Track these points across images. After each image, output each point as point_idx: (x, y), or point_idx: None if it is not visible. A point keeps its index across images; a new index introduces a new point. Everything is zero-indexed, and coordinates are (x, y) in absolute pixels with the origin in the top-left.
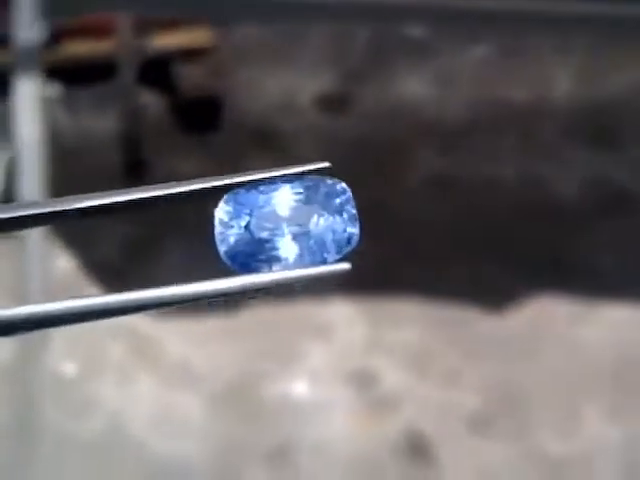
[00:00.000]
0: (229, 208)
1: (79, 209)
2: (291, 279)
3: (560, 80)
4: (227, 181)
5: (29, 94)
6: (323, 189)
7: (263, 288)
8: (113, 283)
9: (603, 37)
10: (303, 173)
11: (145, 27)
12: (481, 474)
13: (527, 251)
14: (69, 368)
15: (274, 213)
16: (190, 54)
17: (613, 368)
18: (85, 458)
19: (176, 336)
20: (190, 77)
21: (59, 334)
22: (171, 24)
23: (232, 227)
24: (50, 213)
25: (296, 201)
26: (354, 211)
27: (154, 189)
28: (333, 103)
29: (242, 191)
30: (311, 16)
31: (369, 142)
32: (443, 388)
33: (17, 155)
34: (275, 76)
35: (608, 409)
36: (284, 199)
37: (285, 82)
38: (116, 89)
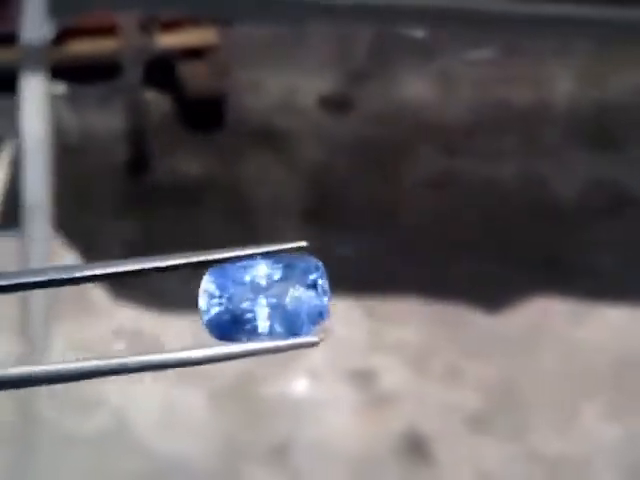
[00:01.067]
0: (213, 280)
1: (69, 279)
2: (264, 350)
3: (561, 82)
4: (211, 257)
5: (35, 92)
6: (299, 266)
7: (238, 356)
8: (117, 286)
9: (604, 40)
10: (281, 251)
11: (150, 26)
12: (480, 473)
13: (527, 251)
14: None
15: (253, 287)
16: (194, 53)
17: (612, 368)
18: (86, 456)
19: (177, 333)
20: (194, 76)
21: (60, 331)
22: (175, 24)
23: (214, 299)
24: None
25: (274, 277)
26: (327, 286)
27: (143, 262)
28: (335, 103)
29: (225, 266)
30: (314, 17)
31: (371, 142)
32: (442, 387)
33: (22, 151)
34: (278, 76)
35: (606, 409)
36: (263, 275)
37: (288, 82)
38: (121, 88)
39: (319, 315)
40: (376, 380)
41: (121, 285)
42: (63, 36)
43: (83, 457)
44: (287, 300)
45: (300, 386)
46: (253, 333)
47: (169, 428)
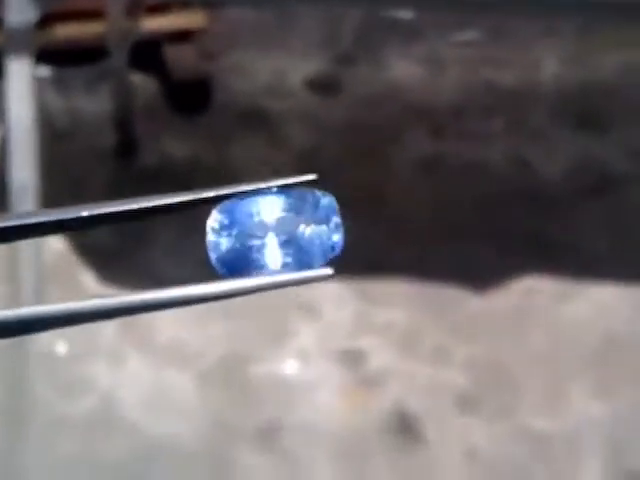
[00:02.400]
0: (221, 218)
1: (74, 219)
2: (277, 283)
3: (547, 63)
4: (218, 192)
5: (21, 76)
6: (309, 200)
7: (251, 291)
8: (106, 265)
9: (591, 20)
10: (290, 185)
11: (136, 9)
12: (468, 452)
13: (514, 231)
14: (60, 347)
15: (263, 223)
16: (181, 36)
17: (598, 346)
18: (76, 437)
19: (166, 316)
20: (181, 59)
21: None
22: (162, 6)
23: (223, 236)
24: (41, 223)
25: (284, 211)
26: (339, 220)
27: (147, 200)
28: (323, 86)
29: (233, 202)
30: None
31: (358, 124)
32: (431, 367)
33: (8, 136)
34: (265, 59)
35: (594, 386)
36: (272, 210)
37: (275, 65)
38: (107, 71)
39: (331, 249)
40: (365, 361)
41: (109, 265)
42: (48, 19)
43: (72, 439)
44: (298, 235)
45: (289, 367)
46: (263, 269)
47: (157, 410)
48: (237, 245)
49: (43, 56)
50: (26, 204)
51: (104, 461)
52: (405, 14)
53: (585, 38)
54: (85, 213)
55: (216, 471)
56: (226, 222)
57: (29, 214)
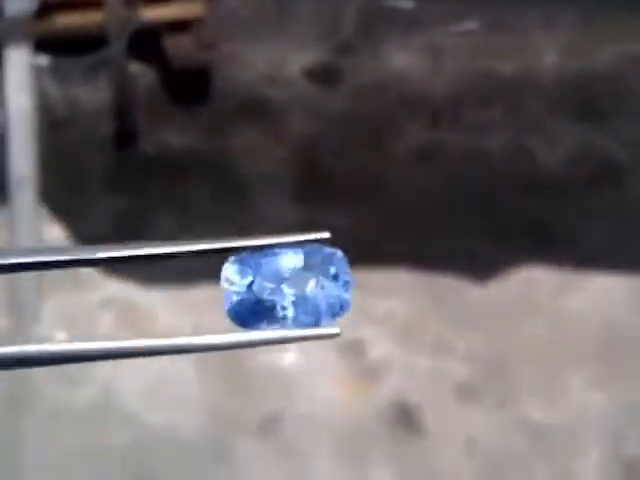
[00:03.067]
0: (235, 268)
1: (85, 260)
2: (284, 339)
3: (546, 53)
4: (232, 244)
5: (20, 65)
6: (321, 256)
7: (259, 344)
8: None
9: (590, 10)
10: (304, 241)
11: None
12: (468, 442)
13: (514, 222)
14: (60, 338)
15: (275, 276)
16: (180, 25)
17: (598, 337)
18: (77, 428)
19: (166, 306)
20: (180, 49)
21: (49, 304)
22: None
23: (236, 286)
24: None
25: (296, 266)
26: (349, 278)
27: (162, 246)
28: (323, 76)
29: (248, 254)
30: None
31: (358, 114)
32: (431, 357)
33: (7, 125)
34: (265, 48)
35: (593, 377)
36: (285, 264)
37: (275, 54)
38: (106, 60)
39: (340, 307)
40: (365, 351)
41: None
42: (47, 8)
43: (72, 430)
44: (308, 291)
45: (289, 357)
46: (274, 322)
47: (158, 400)
48: (249, 296)
49: (42, 45)
50: (25, 193)
51: (104, 451)
52: (405, 4)
53: (584, 28)
54: (99, 255)
55: (216, 461)
56: (240, 273)
57: (35, 251)
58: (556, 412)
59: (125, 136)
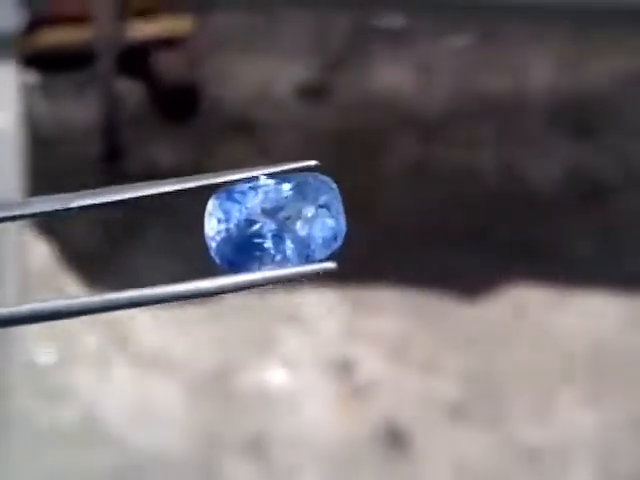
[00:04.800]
0: (219, 205)
1: (66, 209)
2: (278, 277)
3: (539, 69)
4: (216, 179)
5: (7, 81)
6: (311, 186)
7: (252, 286)
8: (91, 270)
9: (582, 26)
10: (291, 170)
11: (123, 15)
12: (459, 462)
13: (505, 240)
14: (44, 356)
15: (263, 210)
16: (168, 42)
17: (589, 355)
18: (60, 449)
19: (152, 324)
20: (168, 65)
21: None
22: (149, 12)
23: (221, 224)
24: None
25: (284, 198)
26: (341, 208)
27: (142, 187)
28: (312, 92)
29: (232, 189)
30: (290, 4)
31: (348, 131)
32: (421, 376)
33: None
34: (254, 65)
35: (584, 395)
36: (273, 196)
37: (264, 71)
38: (94, 77)
39: (333, 238)
40: (354, 370)
41: (94, 270)
42: (35, 25)
43: (55, 450)
44: (299, 223)
45: (277, 376)
46: (264, 259)
47: (143, 421)
48: (236, 234)
49: (30, 62)
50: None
51: (88, 473)
52: (395, 20)
53: (577, 44)
54: (74, 204)
55: None
56: (224, 211)
57: (16, 204)
58: (546, 432)
59: (113, 153)
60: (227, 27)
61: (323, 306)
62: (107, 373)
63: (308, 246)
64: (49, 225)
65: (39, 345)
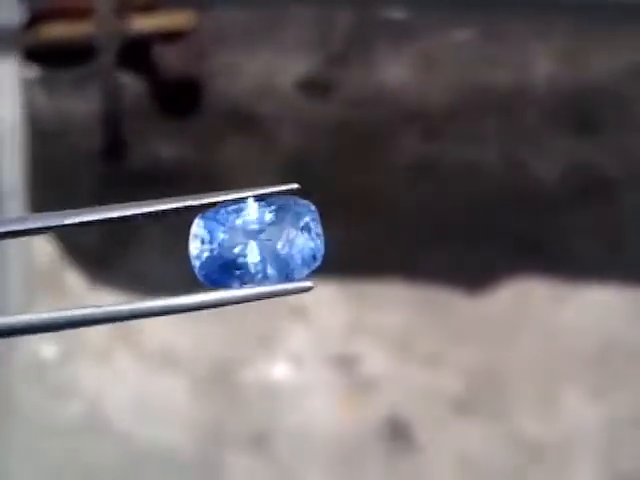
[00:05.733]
0: (203, 225)
1: (59, 225)
2: (257, 295)
3: (541, 64)
4: (201, 201)
5: (9, 76)
6: (292, 209)
7: (231, 302)
8: (94, 269)
9: (584, 21)
10: (272, 193)
11: (125, 9)
12: (463, 456)
13: (509, 235)
14: (47, 352)
15: (245, 231)
16: (170, 36)
17: (593, 350)
18: (64, 444)
19: (156, 320)
20: (170, 60)
21: None
22: (151, 6)
23: (205, 244)
24: (31, 229)
25: (266, 220)
26: (320, 230)
27: (132, 207)
28: (314, 87)
29: (216, 210)
30: None
31: (351, 126)
32: (425, 371)
33: None
34: (256, 59)
35: (588, 391)
36: (254, 218)
37: (266, 65)
38: (95, 71)
39: (313, 258)
40: (358, 365)
41: (98, 269)
42: (36, 19)
43: (59, 446)
44: (280, 244)
45: (282, 371)
46: (245, 278)
47: (147, 416)
48: (219, 254)
49: (31, 56)
50: (13, 205)
51: (92, 468)
52: (397, 14)
53: (579, 39)
54: (70, 221)
55: (206, 477)
56: (208, 230)
57: (16, 220)
58: (550, 426)
59: (114, 147)
60: (229, 21)
61: (327, 301)
62: (111, 368)
63: (288, 265)
64: None
65: (43, 340)
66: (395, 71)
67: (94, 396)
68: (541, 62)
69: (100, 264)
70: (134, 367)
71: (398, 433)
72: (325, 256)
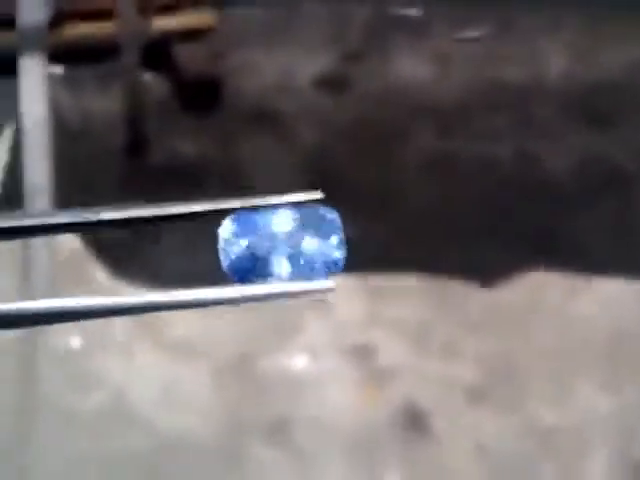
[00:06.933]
0: (233, 227)
1: (87, 222)
2: (282, 293)
3: (555, 59)
4: (230, 204)
5: (34, 75)
6: (316, 216)
7: (257, 299)
8: (117, 261)
9: (597, 15)
10: (299, 201)
11: (147, 9)
12: (478, 446)
13: (522, 228)
14: (72, 342)
15: (272, 235)
16: (191, 35)
17: (606, 341)
18: (88, 433)
19: (179, 311)
20: (191, 58)
21: None
22: (172, 6)
23: (234, 245)
24: (56, 224)
25: (291, 225)
26: (342, 237)
27: (163, 208)
28: (331, 83)
29: (245, 213)
30: None
31: (367, 122)
32: (441, 361)
33: (22, 134)
34: (274, 57)
35: (602, 381)
36: (281, 223)
37: (284, 63)
38: (118, 70)
39: (334, 265)
40: (375, 356)
41: (121, 261)
42: (60, 19)
43: (84, 435)
44: (303, 249)
45: (300, 362)
46: (270, 279)
47: (170, 405)
48: (247, 254)
49: (55, 55)
50: (39, 203)
51: (116, 456)
52: (412, 11)
53: (593, 34)
54: (100, 217)
55: (228, 466)
56: (237, 232)
57: (44, 213)
58: (565, 416)
59: (137, 145)
60: (248, 20)
61: (345, 293)
62: (134, 358)
63: (311, 270)
64: None
65: (67, 331)
66: (410, 67)
67: (118, 386)
68: (554, 57)
69: (125, 257)
70: (157, 357)
71: (414, 423)
72: (345, 259)
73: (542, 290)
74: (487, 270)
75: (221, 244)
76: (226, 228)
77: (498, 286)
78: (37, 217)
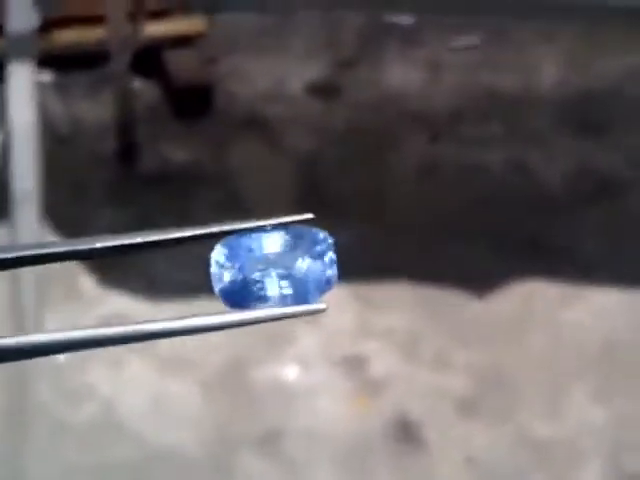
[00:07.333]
0: (225, 251)
1: (81, 250)
2: (274, 316)
3: (547, 68)
4: (222, 228)
5: (22, 81)
6: (307, 237)
7: (249, 323)
8: (107, 271)
9: (589, 24)
10: (290, 222)
11: (137, 15)
12: (469, 457)
13: (514, 237)
14: (63, 354)
15: (264, 257)
16: (182, 41)
17: (598, 350)
18: (78, 445)
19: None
20: (181, 64)
21: (52, 319)
22: (163, 12)
23: (226, 268)
24: (51, 254)
25: (283, 247)
26: (334, 256)
27: (153, 234)
28: (323, 91)
29: (236, 237)
30: (302, 3)
31: (359, 129)
32: (432, 372)
33: (10, 141)
34: (266, 64)
35: (594, 391)
36: (273, 245)
37: (276, 70)
38: (108, 76)
39: (326, 284)
40: (366, 366)
41: (110, 271)
42: (50, 25)
43: (73, 446)
44: (295, 270)
45: (291, 373)
46: (264, 301)
47: (160, 417)
48: (239, 277)
49: (44, 61)
50: (28, 209)
51: (106, 468)
52: (405, 19)
53: (584, 42)
54: (94, 245)
55: (218, 478)
56: (229, 256)
57: (36, 246)
58: (557, 426)
59: (127, 151)
60: (240, 26)
61: (336, 304)
62: (124, 370)
63: (303, 290)
64: (64, 221)
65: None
66: (403, 75)
67: (108, 398)
68: (546, 66)
69: (114, 268)
70: (147, 369)
71: (405, 433)
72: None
73: (533, 299)
74: (478, 279)
75: (213, 269)
76: (217, 253)
77: (490, 296)
78: (29, 249)
